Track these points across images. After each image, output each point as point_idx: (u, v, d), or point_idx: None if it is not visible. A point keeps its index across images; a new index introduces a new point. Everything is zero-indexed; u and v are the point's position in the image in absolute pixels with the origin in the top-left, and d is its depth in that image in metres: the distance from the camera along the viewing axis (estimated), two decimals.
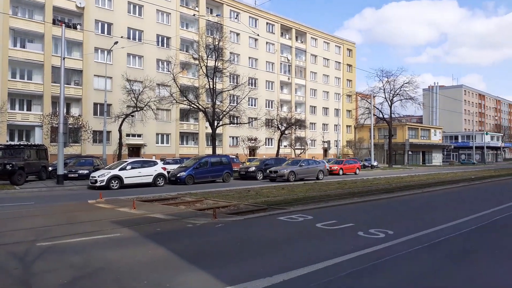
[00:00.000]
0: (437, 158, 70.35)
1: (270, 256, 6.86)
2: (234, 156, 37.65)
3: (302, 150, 53.49)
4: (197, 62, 36.33)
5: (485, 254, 7.21)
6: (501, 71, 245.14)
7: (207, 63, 32.90)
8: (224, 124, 37.62)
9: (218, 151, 45.74)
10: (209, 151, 41.74)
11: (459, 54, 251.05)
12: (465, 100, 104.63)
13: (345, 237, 8.35)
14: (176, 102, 34.56)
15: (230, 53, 47.52)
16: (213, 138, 33.50)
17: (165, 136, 43.57)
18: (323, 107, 63.58)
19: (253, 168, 27.01)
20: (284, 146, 56.68)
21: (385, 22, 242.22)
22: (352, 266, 6.16)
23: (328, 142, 60.62)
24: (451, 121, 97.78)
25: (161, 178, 22.12)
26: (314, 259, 6.47)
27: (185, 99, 34.40)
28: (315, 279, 5.51)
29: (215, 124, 33.50)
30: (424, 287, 5.42)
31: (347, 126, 67.94)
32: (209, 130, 35.40)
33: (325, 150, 61.35)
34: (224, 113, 34.10)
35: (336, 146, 61.53)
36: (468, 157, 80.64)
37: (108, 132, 35.26)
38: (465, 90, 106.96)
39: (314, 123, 61.38)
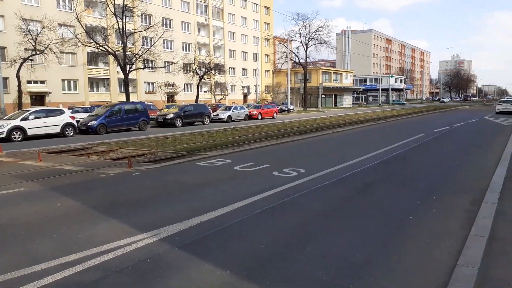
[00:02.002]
0: (348, 101, 74.96)
1: (188, 200, 6.89)
2: (151, 103, 36.17)
3: (222, 96, 53.17)
4: None
5: (383, 184, 8.05)
6: (408, 17, 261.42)
7: (114, 1, 29.98)
8: (138, 69, 35.43)
9: (133, 97, 43.45)
10: (122, 98, 39.49)
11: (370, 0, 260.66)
12: (374, 44, 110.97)
13: (262, 177, 8.68)
14: (82, 44, 31.42)
15: None
16: (126, 84, 31.57)
17: (72, 82, 39.97)
18: (242, 51, 62.89)
19: (172, 115, 26.25)
20: (204, 91, 55.75)
21: None
22: (267, 203, 6.47)
23: (248, 87, 60.91)
24: (361, 64, 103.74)
25: (70, 128, 20.53)
26: (231, 199, 6.66)
27: (91, 41, 31.42)
28: (231, 218, 5.70)
29: (127, 68, 31.41)
30: (329, 216, 5.91)
31: (265, 71, 68.49)
32: (121, 76, 33.12)
33: (245, 96, 61.76)
34: (137, 56, 31.92)
35: (255, 91, 62.18)
36: (375, 99, 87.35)
37: (5, 79, 31.33)
38: (374, 35, 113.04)
39: (234, 68, 60.81)
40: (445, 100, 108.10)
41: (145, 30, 32.72)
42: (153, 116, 27.87)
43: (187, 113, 27.18)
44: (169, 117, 26.14)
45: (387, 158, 11.25)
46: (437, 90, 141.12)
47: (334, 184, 7.95)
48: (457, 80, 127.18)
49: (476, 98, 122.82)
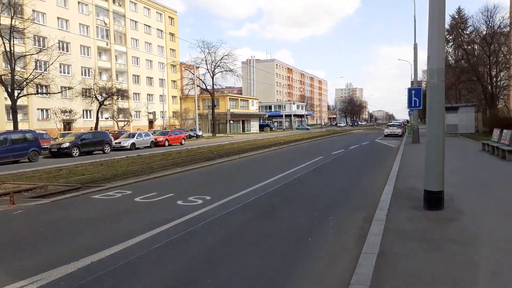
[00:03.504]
0: (254, 126, 77.30)
1: (78, 239, 6.23)
2: (44, 132, 33.00)
3: (126, 122, 50.82)
4: None
5: (284, 206, 8.25)
6: (306, 48, 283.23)
7: (0, 21, 27.16)
8: (28, 94, 32.21)
9: (24, 126, 39.27)
10: (10, 126, 35.37)
11: (273, 30, 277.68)
12: (277, 73, 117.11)
13: (164, 208, 8.30)
14: None
15: (33, 11, 40.67)
16: (13, 111, 28.38)
17: None
18: (147, 77, 61.35)
19: (67, 144, 24.15)
20: (106, 118, 52.78)
21: None
22: (168, 236, 6.15)
23: (154, 113, 59.31)
24: (266, 92, 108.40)
25: None
26: (129, 235, 6.20)
27: None
28: (128, 255, 5.28)
29: (16, 94, 28.38)
30: (232, 243, 5.81)
31: (173, 96, 67.57)
32: (10, 102, 29.80)
33: (151, 122, 59.94)
34: (27, 81, 29.05)
35: (162, 117, 60.75)
36: (279, 125, 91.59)
37: None
38: (276, 64, 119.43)
39: (138, 93, 58.88)
40: (341, 124, 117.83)
41: (37, 53, 30.05)
42: (46, 146, 25.42)
43: (85, 142, 25.29)
44: (64, 146, 24.04)
45: (289, 181, 11.66)
46: (335, 116, 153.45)
47: (238, 210, 7.93)
48: (351, 106, 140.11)
49: (364, 123, 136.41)
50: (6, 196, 9.85)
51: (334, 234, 6.23)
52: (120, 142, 29.40)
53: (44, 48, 31.08)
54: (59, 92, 35.86)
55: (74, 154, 24.12)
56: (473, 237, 5.50)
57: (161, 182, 12.21)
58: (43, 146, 24.88)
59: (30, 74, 29.12)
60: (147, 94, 60.75)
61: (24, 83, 29.29)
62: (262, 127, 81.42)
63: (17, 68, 29.27)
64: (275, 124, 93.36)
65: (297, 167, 14.83)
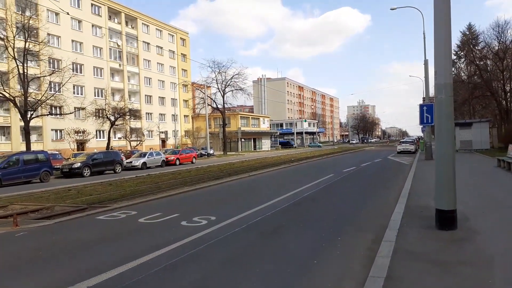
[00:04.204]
0: (266, 144, 77.20)
1: (76, 262, 6.08)
2: (57, 152, 33.40)
3: (138, 142, 51.26)
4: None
5: (291, 227, 8.00)
6: (317, 66, 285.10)
7: (14, 43, 27.94)
8: (41, 115, 32.79)
9: (39, 146, 39.98)
10: (24, 147, 35.95)
11: (284, 50, 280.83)
12: (287, 91, 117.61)
13: (167, 229, 8.12)
14: None
15: (48, 34, 41.79)
16: (26, 132, 28.83)
17: None
18: (159, 97, 62.13)
19: (79, 164, 24.33)
20: (119, 138, 53.38)
21: (219, 14, 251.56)
22: (169, 258, 5.96)
23: (166, 132, 59.75)
24: (277, 110, 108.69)
25: None
26: (128, 257, 6.02)
27: None
28: (125, 279, 5.09)
29: (29, 115, 28.90)
30: (235, 266, 5.59)
31: (184, 116, 68.17)
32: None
33: (163, 141, 60.37)
34: (40, 102, 29.59)
35: (175, 136, 61.18)
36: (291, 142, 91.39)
37: None
38: (287, 82, 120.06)
39: (151, 113, 59.54)
40: (354, 141, 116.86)
41: (49, 75, 30.69)
42: (58, 166, 25.66)
43: (96, 162, 25.45)
44: (76, 166, 24.21)
45: (298, 200, 11.40)
46: (347, 133, 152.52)
47: (244, 231, 7.71)
48: (364, 123, 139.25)
49: (373, 140, 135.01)
50: (11, 217, 9.82)
51: (341, 256, 5.96)
52: (131, 162, 29.53)
53: (56, 70, 31.73)
54: (71, 113, 36.37)
55: (85, 174, 24.26)
56: (488, 259, 5.18)
57: (167, 202, 12.07)
58: (55, 167, 25.12)
59: (43, 95, 29.68)
60: (160, 114, 61.40)
61: (37, 104, 29.84)
62: (283, 145, 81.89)
63: (31, 90, 29.88)
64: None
65: (307, 185, 14.57)
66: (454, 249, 5.67)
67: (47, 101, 29.77)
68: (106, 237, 7.70)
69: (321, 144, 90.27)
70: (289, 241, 6.95)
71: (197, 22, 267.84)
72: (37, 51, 30.01)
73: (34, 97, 30.11)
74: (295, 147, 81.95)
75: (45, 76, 31.07)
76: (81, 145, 45.70)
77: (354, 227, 7.94)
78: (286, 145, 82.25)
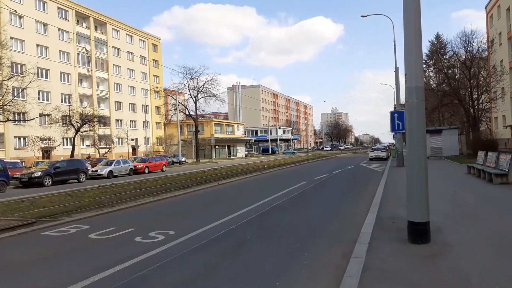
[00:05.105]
0: (241, 151, 76.51)
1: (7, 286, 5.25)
2: (19, 160, 31.63)
3: (107, 150, 49.53)
4: None
5: (255, 242, 7.37)
6: (291, 74, 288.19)
7: None
8: (2, 121, 30.98)
9: (0, 154, 37.87)
10: None
11: (259, 58, 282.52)
12: (262, 98, 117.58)
13: (119, 245, 7.33)
14: None
15: (11, 38, 40.13)
16: None
17: None
18: (130, 103, 60.50)
19: (39, 173, 22.92)
20: (87, 145, 51.51)
21: (194, 21, 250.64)
22: (113, 282, 5.22)
23: (136, 139, 58.16)
24: (252, 117, 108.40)
25: None
26: (65, 281, 5.25)
27: None
28: None
29: None
30: None
31: (156, 122, 66.66)
32: None
33: (134, 148, 58.70)
34: None
35: (146, 143, 59.59)
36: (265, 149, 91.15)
37: None
38: (262, 90, 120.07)
39: (121, 120, 57.85)
40: (327, 148, 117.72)
41: (7, 79, 29.06)
42: (17, 175, 24.13)
43: (58, 170, 24.09)
44: (36, 175, 22.81)
45: (266, 210, 10.81)
46: (321, 140, 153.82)
47: (203, 247, 7.02)
48: (337, 130, 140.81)
49: (343, 147, 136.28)
50: None
51: (306, 276, 5.38)
52: (96, 170, 28.20)
53: (15, 74, 30.09)
54: (31, 119, 34.57)
55: (46, 183, 22.89)
56: (463, 278, 4.72)
57: (126, 214, 11.20)
58: (13, 176, 23.62)
59: (0, 100, 28.02)
60: (130, 121, 59.69)
61: None
62: (265, 151, 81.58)
63: None
64: (262, 148, 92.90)
65: (277, 194, 14.01)
66: (427, 267, 5.19)
67: (5, 106, 28.07)
68: (48, 256, 6.84)
69: (295, 151, 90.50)
70: (252, 259, 6.32)
71: (171, 29, 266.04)
72: None
73: None
74: (278, 153, 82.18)
75: (3, 80, 29.37)
76: (46, 153, 43.68)
77: (323, 240, 7.40)
78: (267, 152, 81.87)
